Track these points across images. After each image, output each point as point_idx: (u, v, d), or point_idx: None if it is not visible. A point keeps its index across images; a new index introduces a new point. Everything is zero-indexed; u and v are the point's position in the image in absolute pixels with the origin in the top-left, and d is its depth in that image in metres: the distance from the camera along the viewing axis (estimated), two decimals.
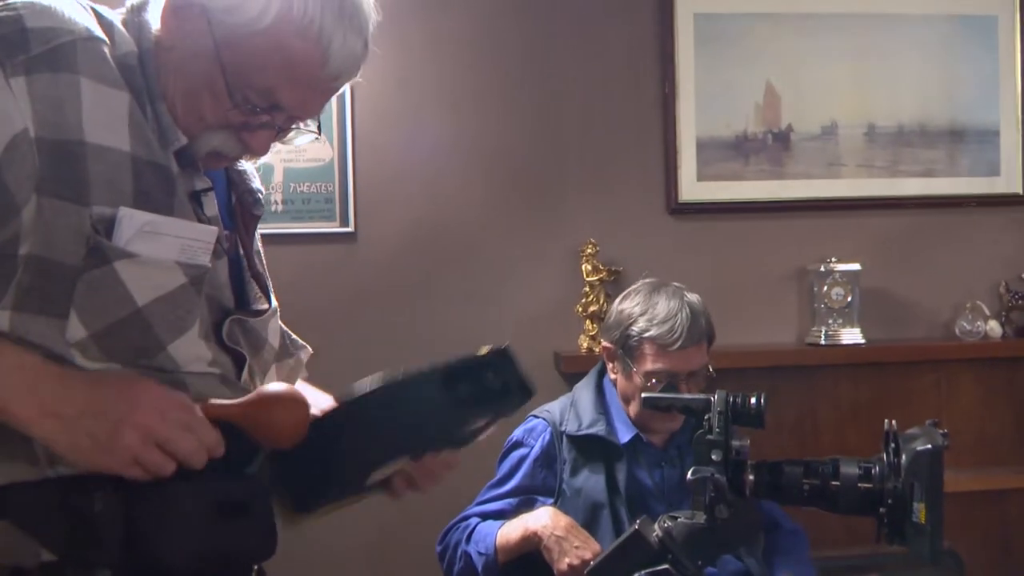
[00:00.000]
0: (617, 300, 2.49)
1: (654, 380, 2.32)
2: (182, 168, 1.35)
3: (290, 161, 3.03)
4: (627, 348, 2.37)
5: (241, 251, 1.48)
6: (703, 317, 2.37)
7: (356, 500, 1.47)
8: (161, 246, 1.28)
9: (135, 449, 1.22)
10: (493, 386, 1.36)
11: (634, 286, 2.48)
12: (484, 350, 1.36)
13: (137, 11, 1.35)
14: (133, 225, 1.26)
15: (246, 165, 1.52)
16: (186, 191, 1.35)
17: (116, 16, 1.33)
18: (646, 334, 2.33)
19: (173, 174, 1.33)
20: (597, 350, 2.77)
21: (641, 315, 2.36)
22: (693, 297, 2.40)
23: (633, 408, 2.39)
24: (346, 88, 3.24)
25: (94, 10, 1.31)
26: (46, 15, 1.25)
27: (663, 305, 2.36)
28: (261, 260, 1.57)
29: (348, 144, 3.05)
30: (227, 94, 1.31)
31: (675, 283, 2.45)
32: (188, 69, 1.32)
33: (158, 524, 1.25)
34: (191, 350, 1.33)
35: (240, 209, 1.49)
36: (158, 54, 1.33)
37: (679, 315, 2.33)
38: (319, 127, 1.45)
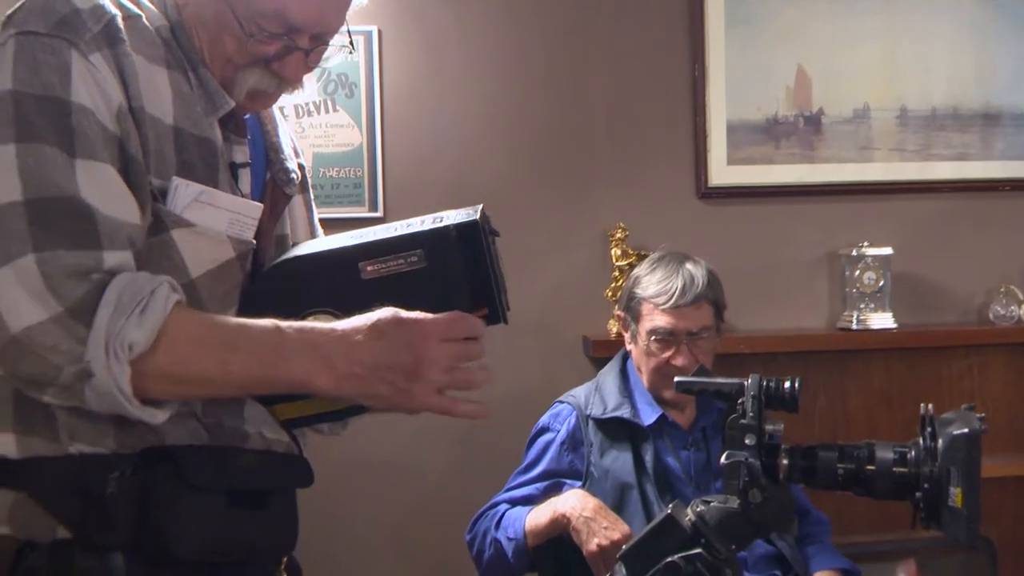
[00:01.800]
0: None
1: (655, 338, 2.38)
2: (225, 137, 1.36)
3: (319, 146, 3.03)
4: (632, 311, 2.44)
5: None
6: (704, 280, 2.40)
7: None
8: (212, 217, 1.30)
9: (439, 382, 1.28)
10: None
11: (639, 265, 2.54)
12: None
13: None
14: (189, 194, 1.28)
15: (285, 145, 1.52)
16: (225, 163, 1.36)
17: None
18: (644, 293, 2.40)
19: (217, 146, 1.34)
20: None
21: (643, 277, 2.44)
22: (697, 264, 2.44)
23: (645, 375, 2.42)
24: (375, 73, 3.23)
25: None
26: None
27: (663, 268, 2.43)
28: (286, 248, 1.56)
29: (377, 129, 3.05)
30: (240, 28, 1.31)
31: (690, 255, 2.48)
32: (205, 18, 1.33)
33: (170, 511, 1.26)
34: None
35: (272, 187, 1.49)
36: (183, 19, 1.35)
37: (675, 276, 2.40)
38: (351, 40, 1.43)
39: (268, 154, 1.50)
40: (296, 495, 1.42)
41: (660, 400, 2.43)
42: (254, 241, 1.35)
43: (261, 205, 1.37)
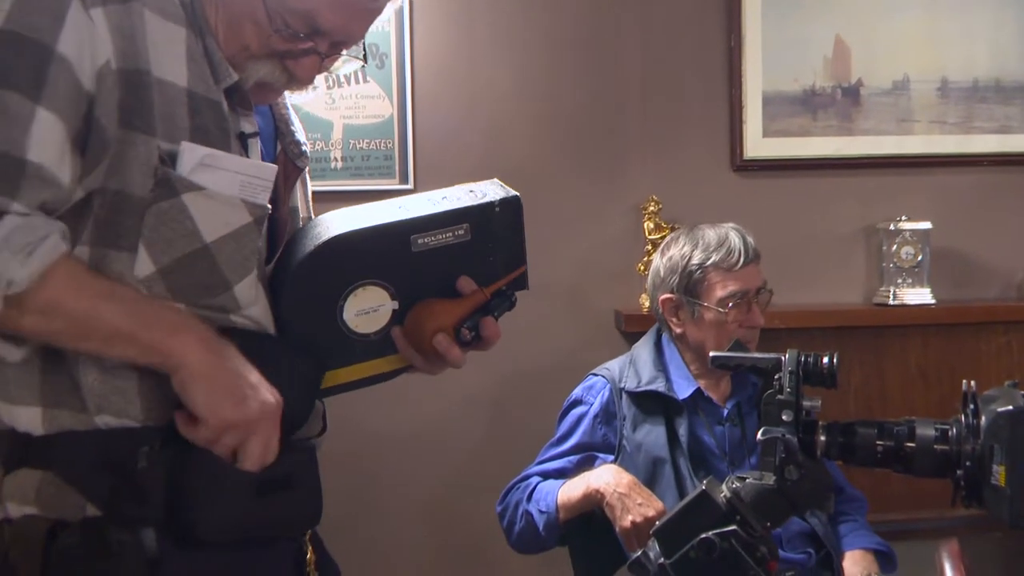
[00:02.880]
0: (657, 257, 2.49)
1: (732, 304, 2.34)
2: (231, 108, 1.34)
3: (350, 118, 3.01)
4: (691, 288, 2.37)
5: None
6: (749, 236, 2.39)
7: (357, 352, 1.43)
8: (222, 180, 1.27)
9: (250, 418, 1.25)
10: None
11: (665, 241, 2.50)
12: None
13: None
14: (194, 157, 1.26)
15: (293, 116, 1.51)
16: (234, 132, 1.34)
17: None
18: (708, 263, 2.35)
19: (225, 112, 1.32)
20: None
21: (693, 251, 2.38)
22: (726, 224, 2.42)
23: (710, 349, 2.37)
24: (406, 44, 3.21)
25: None
26: None
27: (710, 234, 2.39)
28: (298, 219, 1.55)
29: (408, 101, 3.02)
30: (267, 19, 1.29)
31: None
32: None
33: (200, 494, 1.25)
34: (251, 292, 1.32)
35: (284, 160, 1.48)
36: None
37: (729, 237, 2.37)
38: (365, 55, 1.42)
39: (278, 125, 1.49)
40: (319, 468, 1.41)
41: (702, 375, 2.41)
42: (269, 206, 1.33)
43: (274, 166, 1.35)
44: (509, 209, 1.43)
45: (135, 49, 1.23)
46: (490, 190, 1.45)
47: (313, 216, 1.59)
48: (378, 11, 1.37)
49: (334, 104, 2.98)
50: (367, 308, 1.39)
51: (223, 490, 1.26)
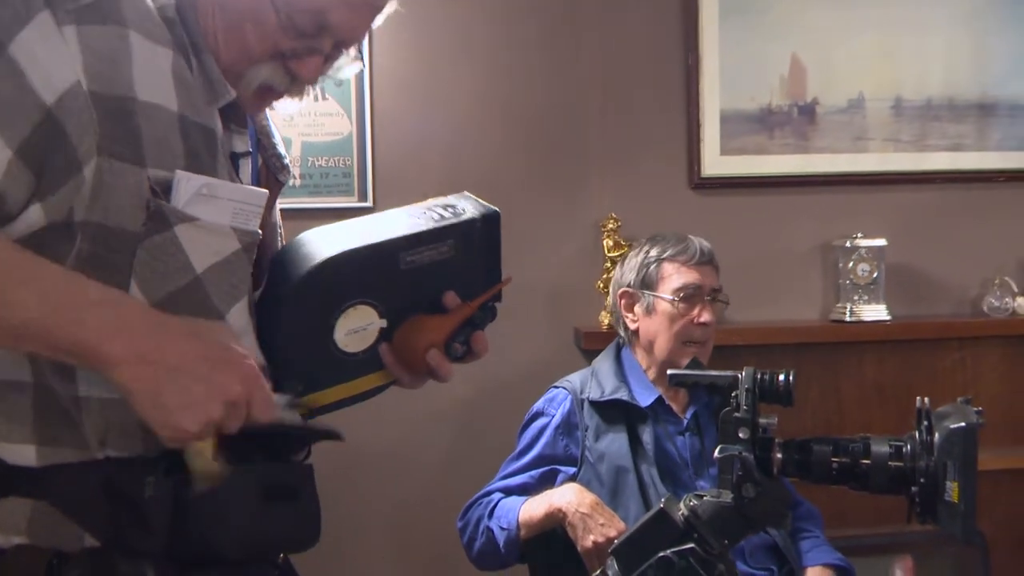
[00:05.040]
0: (622, 264, 2.59)
1: (682, 295, 2.42)
2: (226, 126, 1.30)
3: (308, 135, 3.00)
4: (647, 280, 2.47)
5: None
6: (710, 246, 2.51)
7: (342, 369, 1.41)
8: (216, 210, 1.23)
9: (214, 419, 1.16)
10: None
11: (633, 249, 2.61)
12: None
13: None
14: (190, 188, 1.21)
15: (274, 129, 1.48)
16: (226, 152, 1.30)
17: None
18: (664, 255, 2.47)
19: (217, 135, 1.28)
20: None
21: (653, 247, 2.50)
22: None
23: (665, 344, 2.41)
24: (364, 61, 3.21)
25: None
26: None
27: (671, 236, 2.51)
28: (280, 235, 1.54)
29: (366, 118, 3.01)
30: (274, 15, 1.26)
31: None
32: (229, 1, 1.27)
33: (209, 510, 1.21)
34: (242, 319, 1.29)
35: (266, 174, 1.44)
36: (195, 0, 1.28)
37: (687, 240, 2.49)
38: (362, 57, 1.40)
39: (259, 138, 1.44)
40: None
41: (660, 381, 2.44)
42: (260, 232, 1.29)
43: (265, 192, 1.31)
44: (489, 224, 1.45)
45: (118, 74, 1.18)
46: (468, 205, 1.46)
47: (280, 224, 1.57)
48: (382, 8, 1.35)
49: (292, 121, 2.97)
50: (357, 327, 1.38)
51: (232, 499, 1.22)
